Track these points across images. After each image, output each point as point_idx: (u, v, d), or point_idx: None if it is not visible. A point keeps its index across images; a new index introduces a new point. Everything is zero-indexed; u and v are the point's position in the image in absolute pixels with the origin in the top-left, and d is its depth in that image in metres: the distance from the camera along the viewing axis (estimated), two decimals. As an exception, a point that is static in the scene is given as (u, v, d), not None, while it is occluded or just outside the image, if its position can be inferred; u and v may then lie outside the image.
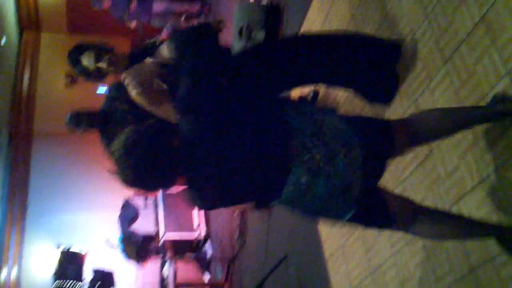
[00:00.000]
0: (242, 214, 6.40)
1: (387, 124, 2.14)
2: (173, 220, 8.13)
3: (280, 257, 4.90)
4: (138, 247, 8.11)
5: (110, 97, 4.54)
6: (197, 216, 8.26)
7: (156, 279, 8.07)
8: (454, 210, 2.58)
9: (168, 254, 7.52)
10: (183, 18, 8.83)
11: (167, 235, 7.91)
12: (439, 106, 2.69)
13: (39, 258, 9.10)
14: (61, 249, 8.42)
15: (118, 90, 4.56)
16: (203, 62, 2.23)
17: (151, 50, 3.07)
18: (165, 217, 8.11)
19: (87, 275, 8.14)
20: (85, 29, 10.63)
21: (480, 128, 2.42)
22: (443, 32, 2.69)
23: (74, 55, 3.07)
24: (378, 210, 2.06)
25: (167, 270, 7.49)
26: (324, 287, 4.09)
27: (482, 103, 2.37)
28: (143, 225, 8.49)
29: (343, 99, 3.73)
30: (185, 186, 2.01)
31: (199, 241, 8.27)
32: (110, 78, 3.81)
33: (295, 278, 4.67)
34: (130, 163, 1.86)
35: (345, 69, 2.99)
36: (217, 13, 8.47)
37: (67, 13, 10.88)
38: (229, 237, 7.05)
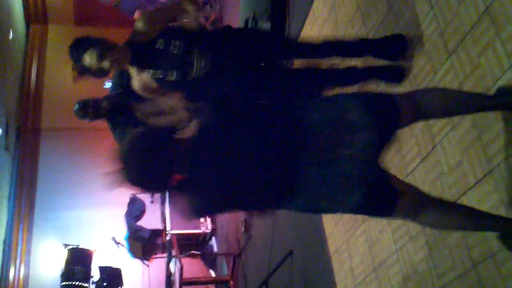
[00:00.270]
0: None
1: (393, 97, 2.11)
2: (178, 216, 8.12)
3: (285, 253, 4.89)
4: (144, 244, 8.11)
5: (115, 85, 4.58)
6: (203, 212, 8.22)
7: (163, 276, 8.06)
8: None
9: (174, 250, 7.51)
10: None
11: (173, 231, 7.90)
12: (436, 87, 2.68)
13: (47, 255, 9.10)
14: (69, 247, 8.41)
15: (122, 77, 4.61)
16: None
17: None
18: (171, 213, 8.10)
19: (95, 272, 8.14)
20: (92, 21, 10.58)
21: (482, 124, 2.39)
22: (447, 24, 2.66)
23: (76, 52, 3.05)
24: (382, 190, 1.99)
25: (173, 266, 7.48)
26: (329, 283, 4.07)
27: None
28: (149, 221, 8.49)
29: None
30: (181, 191, 2.01)
31: (204, 236, 8.27)
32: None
33: (301, 274, 4.65)
34: (133, 165, 1.87)
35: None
36: (222, 3, 8.46)
37: (74, 5, 10.85)
38: (235, 233, 7.05)
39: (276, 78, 3.25)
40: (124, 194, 8.79)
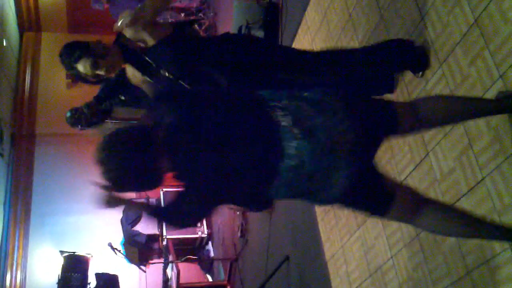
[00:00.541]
0: (243, 214, 6.41)
1: (389, 103, 2.11)
2: (175, 221, 8.13)
3: (281, 258, 4.91)
4: (141, 249, 8.10)
5: (105, 90, 4.59)
6: (199, 216, 8.24)
7: (160, 281, 8.07)
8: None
9: (171, 255, 7.52)
10: (183, 14, 8.84)
11: (169, 236, 7.92)
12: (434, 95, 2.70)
13: (43, 261, 9.09)
14: (65, 254, 8.41)
15: (113, 85, 4.61)
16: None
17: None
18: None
19: (92, 279, 8.13)
20: (85, 28, 10.60)
21: (474, 132, 2.43)
22: (438, 34, 2.70)
23: (67, 61, 3.01)
24: (374, 192, 1.99)
25: (170, 271, 7.50)
26: (325, 288, 4.10)
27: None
28: (145, 227, 8.49)
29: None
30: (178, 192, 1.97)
31: (201, 241, 8.28)
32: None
33: (297, 279, 4.68)
34: (112, 165, 1.85)
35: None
36: (216, 10, 8.48)
37: (67, 12, 10.85)
38: (231, 238, 7.07)
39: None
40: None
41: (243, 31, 4.98)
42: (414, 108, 2.10)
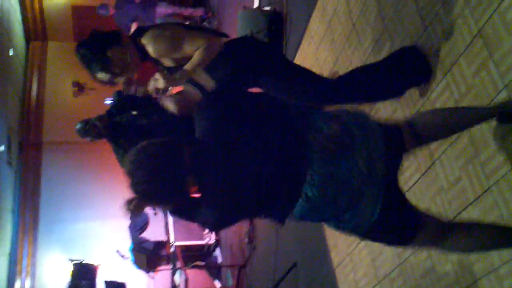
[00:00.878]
0: (251, 220, 6.44)
1: (396, 125, 2.14)
2: (182, 227, 8.17)
3: (289, 265, 4.93)
4: (149, 256, 8.13)
5: (117, 105, 4.63)
6: (207, 223, 8.27)
7: (168, 287, 8.10)
8: (457, 221, 2.60)
9: (179, 262, 7.55)
10: (187, 23, 8.88)
11: (177, 243, 7.95)
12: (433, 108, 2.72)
13: (52, 268, 9.15)
14: (73, 262, 8.45)
15: (126, 100, 4.65)
16: None
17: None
18: (174, 224, 8.15)
19: (100, 287, 8.17)
20: (91, 37, 10.66)
21: (480, 140, 2.45)
22: (442, 44, 2.72)
23: (88, 70, 2.91)
24: (402, 221, 2.00)
25: (178, 278, 7.53)
26: (333, 295, 4.12)
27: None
28: (153, 233, 8.52)
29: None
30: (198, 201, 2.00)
31: (209, 247, 8.30)
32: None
33: (305, 286, 4.70)
34: (141, 178, 1.87)
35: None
36: (220, 19, 8.51)
37: (73, 21, 10.93)
38: (239, 244, 7.09)
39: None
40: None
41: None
42: (411, 126, 2.12)
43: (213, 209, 1.99)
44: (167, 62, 2.89)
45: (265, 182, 1.89)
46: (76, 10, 10.86)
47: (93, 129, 4.37)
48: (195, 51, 2.79)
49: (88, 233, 9.35)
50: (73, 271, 8.30)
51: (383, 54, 3.24)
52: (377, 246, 3.50)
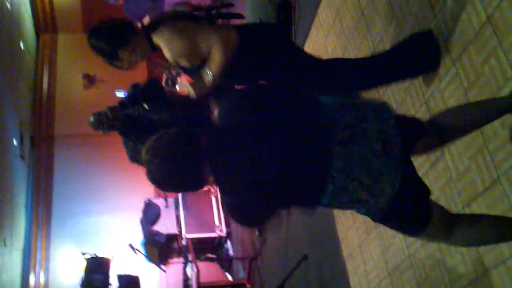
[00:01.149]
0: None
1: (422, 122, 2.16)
2: (193, 220, 8.18)
3: (300, 257, 4.91)
4: (161, 248, 8.16)
5: (130, 97, 4.63)
6: (217, 215, 8.30)
7: (180, 280, 8.12)
8: (467, 211, 2.57)
9: (190, 255, 7.56)
10: (195, 13, 8.84)
11: (189, 235, 7.96)
12: (449, 106, 2.68)
13: (66, 262, 9.21)
14: (86, 256, 8.51)
15: (138, 93, 4.65)
16: None
17: None
18: (186, 217, 8.16)
19: (113, 280, 8.22)
20: (101, 27, 10.67)
21: (489, 131, 2.41)
22: (451, 32, 2.67)
23: (102, 58, 2.94)
24: (416, 207, 2.00)
25: (190, 270, 7.54)
26: (344, 287, 4.09)
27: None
28: (165, 226, 8.55)
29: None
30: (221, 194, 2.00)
31: (220, 240, 8.31)
32: None
33: (316, 278, 4.69)
34: (156, 166, 1.88)
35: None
36: (229, 8, 8.47)
37: (82, 13, 10.93)
38: (249, 236, 7.08)
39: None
40: (139, 199, 8.87)
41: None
42: (434, 125, 2.13)
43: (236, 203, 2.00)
44: (183, 63, 2.90)
45: (291, 169, 1.88)
46: (85, 1, 10.85)
47: (106, 120, 4.37)
48: (209, 49, 2.82)
49: (101, 227, 9.40)
50: (86, 266, 8.35)
51: (392, 42, 3.20)
52: (386, 238, 3.48)
